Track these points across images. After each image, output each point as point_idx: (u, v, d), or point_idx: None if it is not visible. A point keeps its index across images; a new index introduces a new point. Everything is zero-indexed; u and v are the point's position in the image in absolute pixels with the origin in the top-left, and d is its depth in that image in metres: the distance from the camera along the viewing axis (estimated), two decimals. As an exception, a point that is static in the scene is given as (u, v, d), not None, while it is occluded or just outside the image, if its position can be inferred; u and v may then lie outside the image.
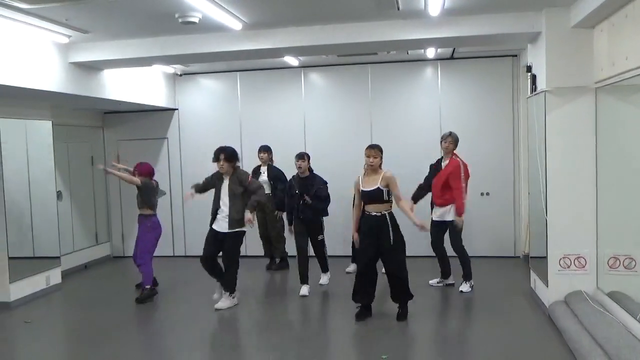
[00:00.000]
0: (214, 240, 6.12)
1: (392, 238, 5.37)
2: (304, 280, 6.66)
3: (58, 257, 7.41)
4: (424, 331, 5.37)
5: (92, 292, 7.35)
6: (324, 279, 7.02)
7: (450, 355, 4.90)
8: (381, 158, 5.46)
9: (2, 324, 6.09)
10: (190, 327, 5.74)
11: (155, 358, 5.00)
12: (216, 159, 6.05)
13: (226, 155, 6.03)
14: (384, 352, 4.75)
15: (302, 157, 6.76)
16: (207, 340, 5.55)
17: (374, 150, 5.44)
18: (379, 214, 5.39)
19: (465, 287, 6.50)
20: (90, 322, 6.01)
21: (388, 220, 5.39)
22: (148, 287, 6.58)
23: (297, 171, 6.77)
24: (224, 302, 6.17)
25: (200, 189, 6.32)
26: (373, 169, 5.43)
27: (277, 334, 5.46)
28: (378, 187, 5.37)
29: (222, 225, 6.05)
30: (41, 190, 7.16)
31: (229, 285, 6.17)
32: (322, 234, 6.79)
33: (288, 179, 7.20)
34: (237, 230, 6.05)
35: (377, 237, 5.40)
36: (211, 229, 6.14)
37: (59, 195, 7.71)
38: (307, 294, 6.60)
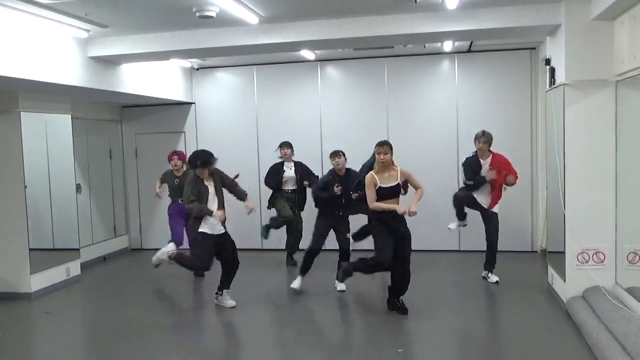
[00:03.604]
0: (214, 245, 5.84)
1: (406, 225, 5.46)
2: (304, 272, 6.49)
3: (77, 249, 7.52)
4: (439, 325, 5.36)
5: (111, 283, 7.45)
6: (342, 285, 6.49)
7: (466, 349, 4.89)
8: (392, 154, 5.43)
9: (23, 315, 6.21)
10: (206, 321, 5.81)
11: (169, 350, 5.07)
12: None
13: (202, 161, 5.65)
14: (400, 346, 4.76)
15: (339, 154, 6.40)
16: (224, 334, 5.61)
17: (384, 147, 5.40)
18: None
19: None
20: (108, 313, 6.10)
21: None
22: None
23: (334, 167, 6.43)
24: (230, 300, 6.02)
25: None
26: (385, 165, 5.40)
27: (288, 330, 5.50)
28: (398, 183, 5.43)
29: (217, 227, 5.79)
30: (61, 183, 7.26)
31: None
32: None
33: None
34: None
35: (395, 229, 5.40)
36: (210, 235, 5.74)
37: (78, 188, 7.81)
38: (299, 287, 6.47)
